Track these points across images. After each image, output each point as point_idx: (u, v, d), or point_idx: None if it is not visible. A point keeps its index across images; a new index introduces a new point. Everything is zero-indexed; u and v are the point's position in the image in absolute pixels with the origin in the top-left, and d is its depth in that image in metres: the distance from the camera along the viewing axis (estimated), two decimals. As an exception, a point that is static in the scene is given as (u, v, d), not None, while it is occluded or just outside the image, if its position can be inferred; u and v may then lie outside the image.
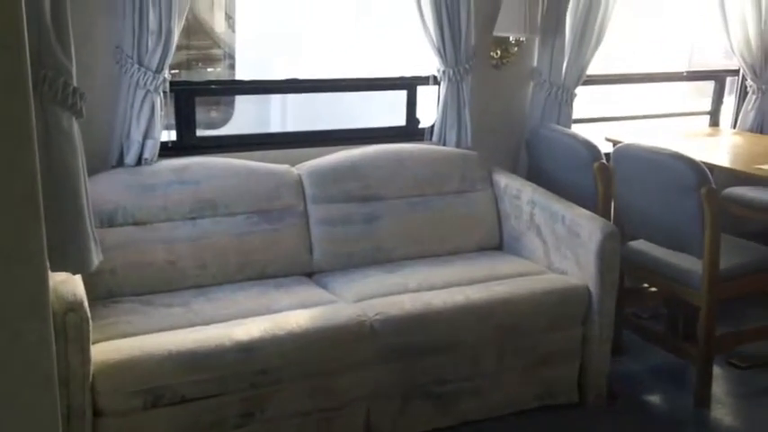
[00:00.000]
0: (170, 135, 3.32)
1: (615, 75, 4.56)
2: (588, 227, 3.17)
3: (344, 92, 3.89)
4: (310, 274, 3.29)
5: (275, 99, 4.33)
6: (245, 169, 3.25)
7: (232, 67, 4.34)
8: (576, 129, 4.13)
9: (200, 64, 4.42)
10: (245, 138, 3.66)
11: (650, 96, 5.14)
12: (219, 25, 4.30)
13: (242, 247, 3.15)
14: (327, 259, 3.32)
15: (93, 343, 2.39)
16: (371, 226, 3.42)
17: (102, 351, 2.44)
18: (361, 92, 3.98)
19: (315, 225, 3.33)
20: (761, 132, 4.43)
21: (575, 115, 4.08)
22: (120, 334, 2.57)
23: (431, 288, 3.11)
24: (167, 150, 3.24)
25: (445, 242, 3.55)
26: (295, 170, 3.38)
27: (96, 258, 2.34)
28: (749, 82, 4.45)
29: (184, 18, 3.11)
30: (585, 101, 4.33)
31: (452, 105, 3.74)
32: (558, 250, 3.33)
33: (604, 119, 4.66)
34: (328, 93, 3.88)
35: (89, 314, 2.31)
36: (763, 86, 4.40)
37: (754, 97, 4.44)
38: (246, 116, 4.28)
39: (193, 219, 3.10)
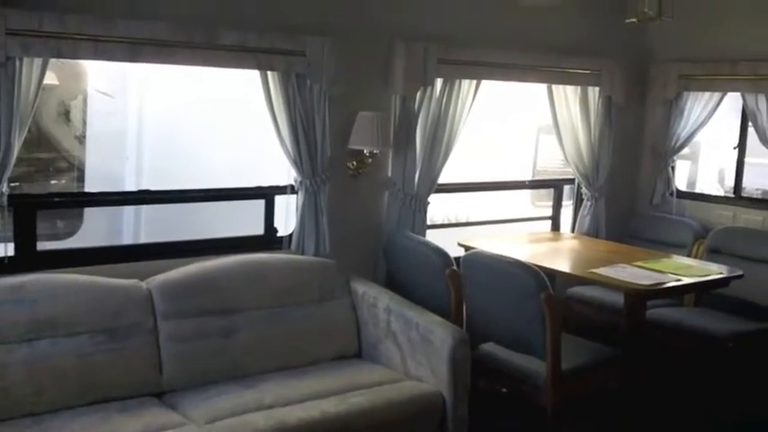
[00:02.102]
0: (7, 250, 3.13)
1: (465, 183, 4.82)
2: (440, 333, 3.26)
3: (200, 202, 3.85)
4: (160, 394, 3.14)
5: (128, 209, 4.22)
6: (90, 285, 3.11)
7: (80, 179, 4.21)
8: (434, 234, 4.31)
9: (51, 170, 4.26)
10: (91, 251, 3.52)
11: (510, 200, 5.48)
12: (67, 137, 4.19)
13: (84, 369, 2.97)
14: (179, 378, 3.18)
15: None
16: (227, 340, 3.34)
17: None
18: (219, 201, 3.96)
19: (165, 342, 3.20)
20: (596, 236, 4.79)
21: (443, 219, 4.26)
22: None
23: (287, 403, 3.05)
24: (3, 267, 3.05)
25: (304, 353, 3.52)
26: (144, 284, 3.27)
27: None
28: (584, 190, 4.84)
29: (26, 130, 3.01)
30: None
31: (310, 214, 3.80)
32: (414, 357, 3.39)
33: (458, 224, 4.90)
34: (183, 204, 3.83)
35: None
36: (596, 194, 4.80)
37: (588, 204, 4.83)
38: (96, 227, 4.13)
39: (30, 341, 2.90)
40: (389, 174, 4.13)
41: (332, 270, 3.72)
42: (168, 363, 3.18)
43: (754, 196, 6.56)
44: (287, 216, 3.87)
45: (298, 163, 3.73)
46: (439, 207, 4.57)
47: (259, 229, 3.90)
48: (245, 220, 3.96)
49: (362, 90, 3.94)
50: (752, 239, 4.34)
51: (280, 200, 3.90)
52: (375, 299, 3.63)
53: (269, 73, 3.60)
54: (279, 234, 3.92)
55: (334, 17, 3.77)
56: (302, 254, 3.81)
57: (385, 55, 3.98)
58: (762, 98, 4.38)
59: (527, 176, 5.73)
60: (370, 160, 4.01)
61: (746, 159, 4.87)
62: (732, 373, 4.18)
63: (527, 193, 5.74)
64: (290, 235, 3.86)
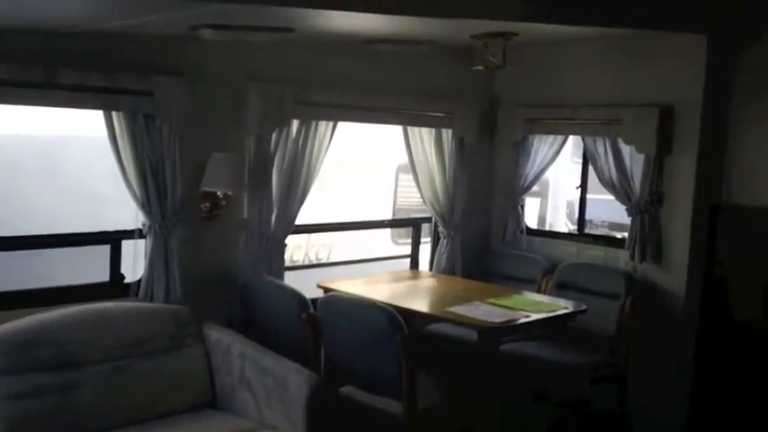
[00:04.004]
0: None
1: (324, 224, 4.82)
2: (295, 380, 3.20)
3: (40, 249, 3.61)
4: (-10, 459, 2.88)
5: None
6: None
7: None
8: (294, 276, 4.26)
9: None
10: None
11: (372, 238, 5.53)
12: None
13: None
14: (12, 441, 2.94)
15: None
16: (68, 396, 3.14)
17: None
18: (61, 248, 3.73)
19: (-4, 402, 2.95)
20: (453, 273, 4.92)
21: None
22: None
23: (134, 461, 2.89)
24: None
25: (154, 405, 3.36)
26: (-28, 340, 3.01)
27: None
28: (440, 228, 4.97)
29: None
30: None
31: (159, 259, 3.66)
32: (270, 405, 3.30)
33: (319, 264, 4.88)
34: (21, 250, 3.57)
35: None
36: (452, 232, 4.94)
37: (445, 242, 4.95)
38: None
39: None
40: (245, 215, 4.05)
41: (183, 317, 3.59)
42: (1, 424, 2.93)
43: (601, 228, 7.05)
44: (134, 261, 3.70)
45: (146, 206, 3.59)
46: (299, 245, 4.53)
47: (104, 276, 3.70)
48: (89, 266, 3.75)
49: (216, 130, 3.87)
50: (594, 274, 4.60)
51: (127, 245, 3.72)
52: (229, 345, 3.52)
53: (114, 113, 3.46)
54: (126, 281, 3.74)
55: (185, 57, 3.68)
56: (151, 301, 3.66)
57: (239, 95, 3.93)
58: (600, 141, 4.69)
59: (387, 215, 5.82)
60: (224, 202, 3.92)
61: (594, 196, 5.20)
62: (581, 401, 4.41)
63: (387, 230, 5.83)
64: (139, 281, 3.69)
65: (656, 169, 4.41)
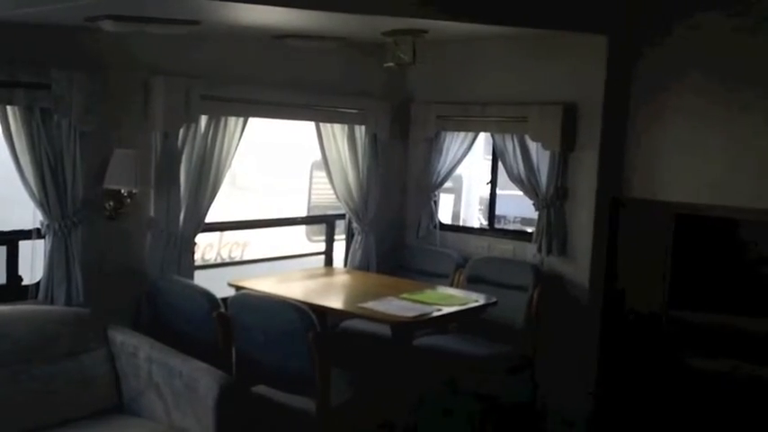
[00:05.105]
0: None
1: (237, 221, 4.74)
2: (204, 381, 3.14)
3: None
4: None
5: None
6: None
7: None
8: (205, 275, 4.17)
9: None
10: None
11: (286, 236, 5.47)
12: None
13: None
14: None
15: None
16: (-39, 405, 2.98)
17: None
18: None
19: None
20: (368, 269, 4.93)
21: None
22: None
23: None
24: None
25: (57, 412, 3.23)
26: None
27: None
28: (354, 224, 4.97)
29: None
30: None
31: (60, 260, 3.50)
32: (178, 407, 3.22)
33: (232, 263, 4.79)
34: None
35: None
36: (366, 228, 4.95)
37: (359, 238, 4.96)
38: None
39: None
40: (152, 214, 3.93)
41: (85, 320, 3.45)
42: None
43: (514, 224, 7.23)
44: (33, 263, 3.53)
45: (44, 204, 3.44)
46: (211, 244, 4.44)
47: (0, 279, 3.52)
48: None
49: (119, 126, 3.73)
50: (503, 267, 4.71)
51: (25, 245, 3.55)
52: (135, 348, 3.42)
53: (9, 107, 3.30)
54: (24, 283, 3.57)
55: (84, 49, 3.54)
56: (51, 304, 3.50)
57: (143, 90, 3.80)
58: (508, 138, 4.80)
59: (302, 212, 5.79)
60: (129, 200, 3.79)
61: (509, 192, 5.32)
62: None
63: (302, 227, 5.79)
64: (38, 283, 3.53)
65: (561, 165, 4.55)
